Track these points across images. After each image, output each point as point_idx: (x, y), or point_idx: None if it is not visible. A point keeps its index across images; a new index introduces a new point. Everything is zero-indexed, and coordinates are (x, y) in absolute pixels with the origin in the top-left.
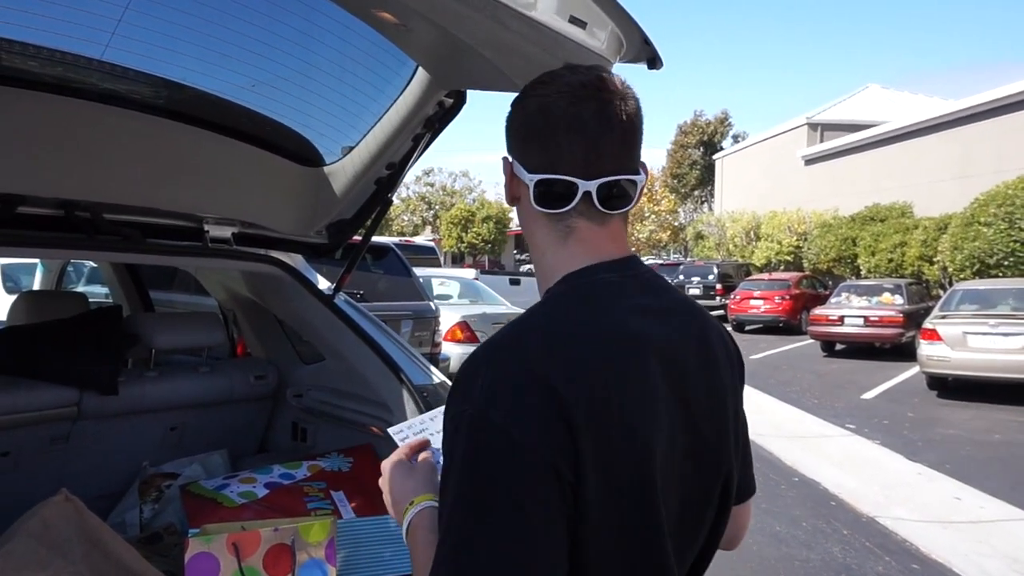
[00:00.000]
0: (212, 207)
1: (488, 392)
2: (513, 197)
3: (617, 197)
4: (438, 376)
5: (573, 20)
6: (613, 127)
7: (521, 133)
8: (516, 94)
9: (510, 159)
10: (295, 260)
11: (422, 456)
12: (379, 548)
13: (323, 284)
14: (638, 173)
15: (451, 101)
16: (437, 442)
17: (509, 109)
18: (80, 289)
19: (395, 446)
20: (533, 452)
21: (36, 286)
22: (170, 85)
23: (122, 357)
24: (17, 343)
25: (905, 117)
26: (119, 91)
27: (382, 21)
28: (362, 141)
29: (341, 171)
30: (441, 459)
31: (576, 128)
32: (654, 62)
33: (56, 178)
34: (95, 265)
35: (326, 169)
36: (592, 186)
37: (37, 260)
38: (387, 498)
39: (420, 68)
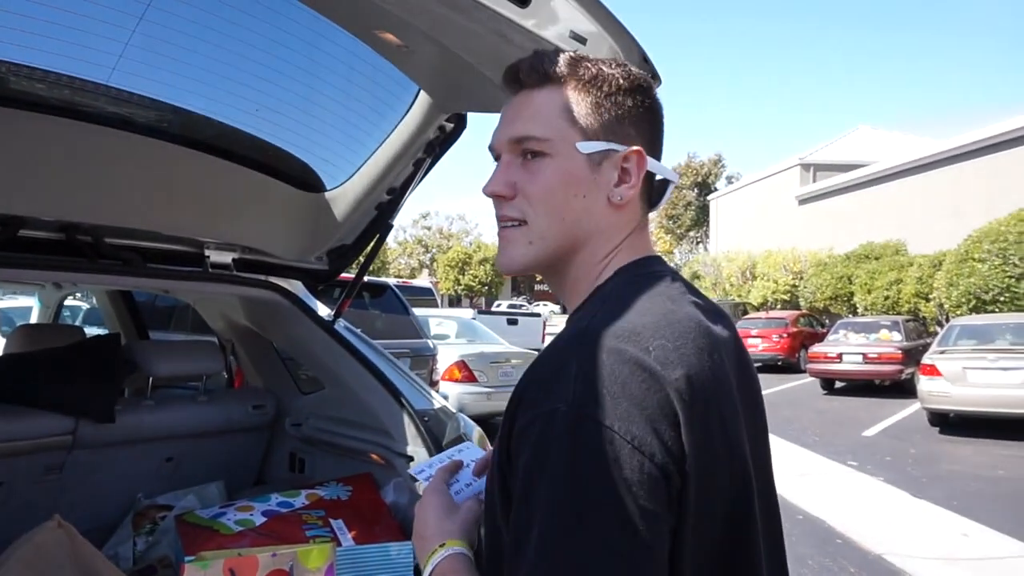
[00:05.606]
0: (213, 232)
1: (583, 385)
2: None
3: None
4: (439, 401)
5: (574, 36)
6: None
7: (650, 120)
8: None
9: (638, 148)
10: (294, 286)
11: (466, 505)
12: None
13: (323, 311)
14: None
15: (451, 126)
16: (466, 475)
17: (631, 91)
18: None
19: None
20: (641, 453)
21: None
22: (175, 110)
23: (120, 385)
24: (13, 371)
25: (897, 156)
26: (124, 115)
27: (384, 43)
28: (363, 166)
29: (342, 196)
30: (469, 490)
31: (660, 120)
32: (653, 79)
33: (58, 201)
34: (90, 306)
35: (327, 194)
36: (675, 179)
37: (34, 303)
38: (417, 527)
39: (421, 92)
